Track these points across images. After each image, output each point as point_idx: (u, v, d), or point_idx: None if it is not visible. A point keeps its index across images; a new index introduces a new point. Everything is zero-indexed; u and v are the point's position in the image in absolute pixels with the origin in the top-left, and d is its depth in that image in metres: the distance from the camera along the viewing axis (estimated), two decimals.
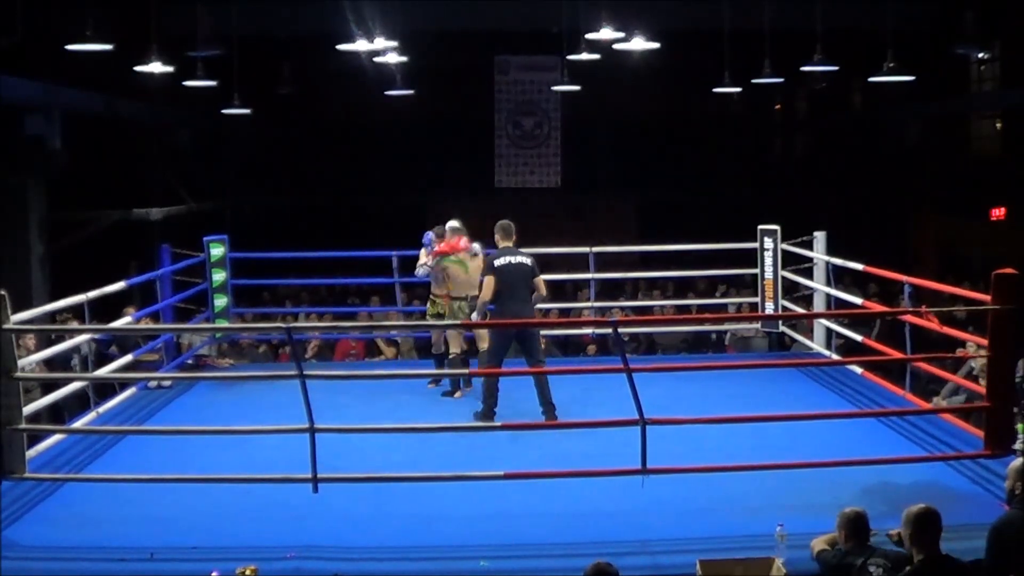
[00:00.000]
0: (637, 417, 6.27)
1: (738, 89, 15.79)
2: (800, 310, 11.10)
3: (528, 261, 8.47)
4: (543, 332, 10.20)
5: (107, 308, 9.95)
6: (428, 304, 9.69)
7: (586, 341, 12.53)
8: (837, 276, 10.54)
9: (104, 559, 5.90)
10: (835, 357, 10.04)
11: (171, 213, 16.43)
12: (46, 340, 8.73)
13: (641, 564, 5.68)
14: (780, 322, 11.33)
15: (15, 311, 6.68)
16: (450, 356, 9.39)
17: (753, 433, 7.22)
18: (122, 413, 8.90)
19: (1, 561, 5.70)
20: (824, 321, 10.48)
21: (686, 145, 21.20)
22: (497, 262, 8.42)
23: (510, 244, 8.60)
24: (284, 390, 7.00)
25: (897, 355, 8.88)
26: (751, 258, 11.26)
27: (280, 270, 13.83)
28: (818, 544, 5.45)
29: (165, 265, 10.57)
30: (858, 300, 10.24)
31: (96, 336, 9.27)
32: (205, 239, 10.93)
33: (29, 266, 13.01)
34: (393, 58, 13.44)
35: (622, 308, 12.87)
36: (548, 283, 8.85)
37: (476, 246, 9.32)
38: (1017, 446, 6.63)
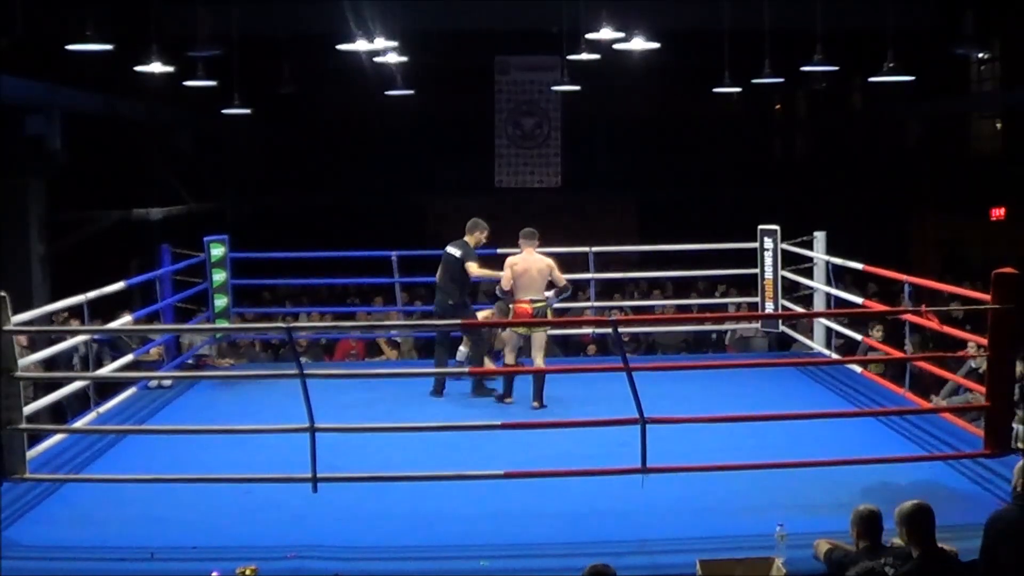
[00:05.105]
0: (637, 416, 6.28)
1: (738, 89, 15.78)
2: (800, 310, 11.10)
3: (457, 252, 9.15)
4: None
5: (107, 308, 9.95)
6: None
7: (586, 341, 12.51)
8: (837, 276, 10.54)
9: (104, 559, 5.90)
10: (835, 357, 10.04)
11: (171, 213, 16.42)
12: (46, 340, 8.73)
13: (641, 564, 5.67)
14: (780, 322, 11.32)
15: (15, 311, 6.68)
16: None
17: (753, 433, 7.21)
18: (122, 413, 8.89)
19: (1, 561, 5.70)
20: (824, 321, 10.48)
21: (686, 145, 21.20)
22: None
23: (462, 238, 9.31)
24: (284, 390, 7.02)
25: (897, 355, 8.88)
26: (751, 258, 11.25)
27: (280, 270, 13.81)
28: (822, 545, 5.37)
29: (165, 265, 10.56)
30: (858, 300, 10.23)
31: (96, 337, 9.26)
32: (205, 239, 10.91)
33: (29, 266, 13.01)
34: (393, 58, 13.44)
35: (622, 308, 12.86)
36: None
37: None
38: (1018, 444, 6.63)
